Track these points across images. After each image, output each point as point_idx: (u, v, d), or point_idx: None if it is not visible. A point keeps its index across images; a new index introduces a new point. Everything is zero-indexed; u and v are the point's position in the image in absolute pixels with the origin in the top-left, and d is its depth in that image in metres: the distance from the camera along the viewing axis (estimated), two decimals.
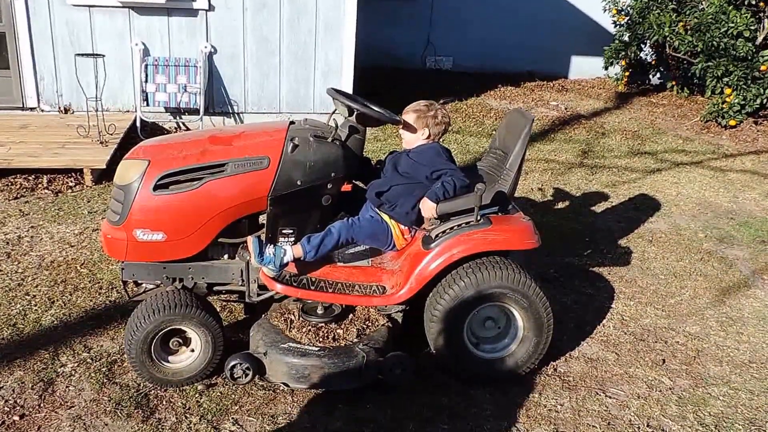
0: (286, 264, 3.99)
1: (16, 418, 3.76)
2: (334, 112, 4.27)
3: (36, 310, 4.80)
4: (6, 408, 3.83)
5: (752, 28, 9.95)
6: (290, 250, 3.98)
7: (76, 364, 4.23)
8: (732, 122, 10.21)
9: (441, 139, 4.34)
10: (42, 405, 3.88)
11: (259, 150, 4.00)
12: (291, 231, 4.08)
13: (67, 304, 4.88)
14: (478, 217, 3.99)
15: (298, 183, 3.99)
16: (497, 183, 4.28)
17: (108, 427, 3.72)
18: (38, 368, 4.18)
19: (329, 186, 4.07)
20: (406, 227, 4.20)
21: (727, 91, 10.09)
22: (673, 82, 12.30)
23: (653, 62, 12.48)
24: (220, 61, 9.09)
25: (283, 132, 4.06)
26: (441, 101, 4.47)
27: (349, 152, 4.12)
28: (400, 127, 4.27)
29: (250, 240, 3.92)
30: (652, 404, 4.17)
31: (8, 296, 4.96)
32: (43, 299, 4.94)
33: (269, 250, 3.93)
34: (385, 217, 4.19)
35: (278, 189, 3.97)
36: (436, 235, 4.02)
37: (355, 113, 4.06)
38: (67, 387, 4.03)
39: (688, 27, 10.47)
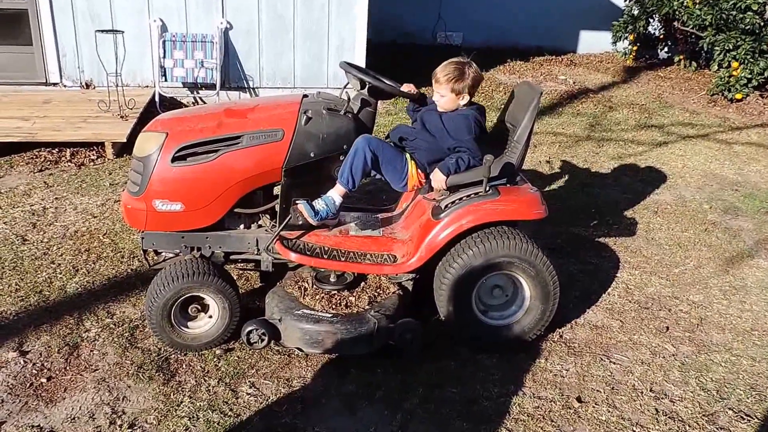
0: (340, 205, 4.13)
1: (44, 380, 3.89)
2: (346, 86, 4.33)
3: (61, 277, 4.92)
4: (34, 371, 3.96)
5: (760, 1, 9.90)
6: (335, 193, 4.10)
7: (99, 330, 4.35)
8: (738, 96, 10.20)
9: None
10: (68, 368, 4.00)
11: (273, 123, 4.06)
12: (304, 202, 4.13)
13: (90, 272, 5.00)
14: (487, 188, 4.04)
15: (312, 155, 4.05)
16: (506, 155, 4.32)
17: (131, 389, 3.84)
18: (64, 333, 4.30)
19: (342, 158, 4.12)
20: (422, 172, 4.25)
21: (734, 64, 10.08)
22: (681, 56, 12.25)
23: (661, 36, 12.44)
24: (236, 37, 9.16)
25: (296, 105, 4.11)
26: (464, 55, 4.44)
27: (361, 125, 4.17)
28: (435, 89, 4.22)
29: (302, 206, 4.03)
30: (656, 370, 4.25)
31: (34, 264, 5.08)
32: (68, 267, 5.06)
33: (320, 205, 4.06)
34: (406, 155, 4.24)
35: (292, 161, 4.04)
36: (446, 206, 4.08)
37: (367, 86, 4.11)
38: (91, 351, 4.16)
39: (697, 0, 10.46)
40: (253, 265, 4.55)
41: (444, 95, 4.17)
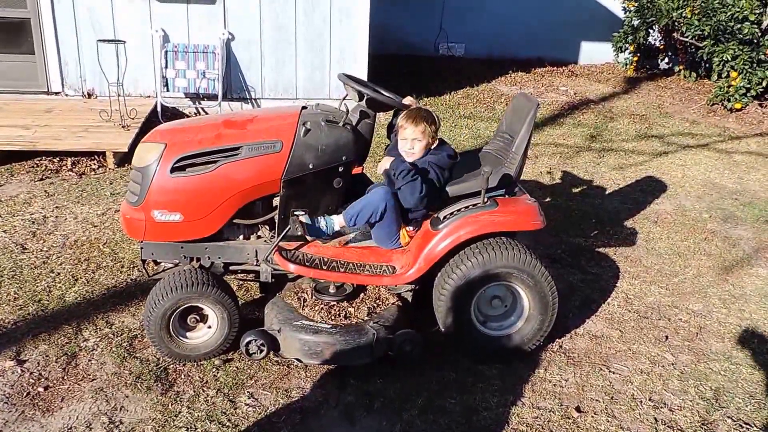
0: (335, 233, 4.20)
1: (41, 389, 3.89)
2: (345, 97, 4.34)
3: (60, 287, 4.93)
4: (31, 380, 3.96)
5: (758, 11, 9.96)
6: (337, 220, 4.16)
7: (98, 339, 4.35)
8: (737, 105, 10.25)
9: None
10: (65, 377, 4.01)
11: (272, 134, 4.07)
12: (303, 213, 4.13)
13: (90, 282, 5.01)
14: (485, 199, 4.05)
15: (310, 166, 4.05)
16: (504, 166, 4.34)
17: (128, 399, 3.84)
18: (62, 342, 4.30)
19: (340, 169, 4.13)
20: (412, 228, 4.26)
21: (733, 74, 10.14)
22: (681, 67, 12.29)
23: (662, 47, 12.49)
24: (238, 47, 9.20)
25: (295, 116, 4.12)
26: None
27: (360, 136, 4.18)
28: (409, 138, 4.14)
29: (304, 218, 4.06)
30: (655, 379, 4.25)
31: (33, 273, 5.09)
32: (67, 276, 5.07)
33: (320, 223, 4.12)
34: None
35: (291, 172, 4.04)
36: (444, 217, 4.09)
37: (366, 98, 4.12)
38: (89, 361, 4.16)
39: (696, 11, 10.50)
40: (252, 275, 4.56)
41: (421, 140, 4.11)
